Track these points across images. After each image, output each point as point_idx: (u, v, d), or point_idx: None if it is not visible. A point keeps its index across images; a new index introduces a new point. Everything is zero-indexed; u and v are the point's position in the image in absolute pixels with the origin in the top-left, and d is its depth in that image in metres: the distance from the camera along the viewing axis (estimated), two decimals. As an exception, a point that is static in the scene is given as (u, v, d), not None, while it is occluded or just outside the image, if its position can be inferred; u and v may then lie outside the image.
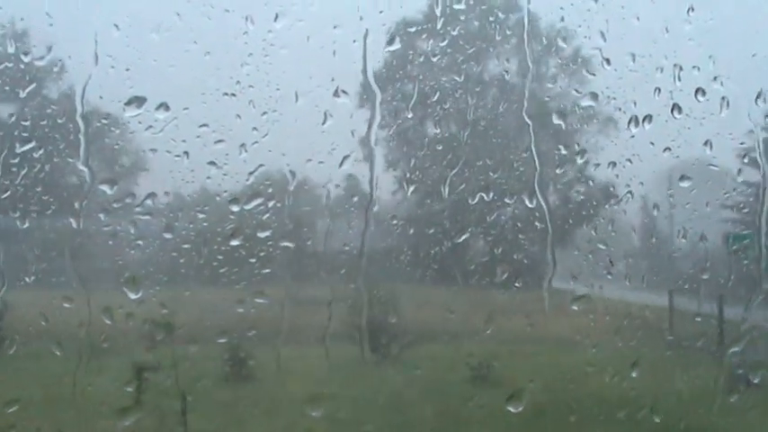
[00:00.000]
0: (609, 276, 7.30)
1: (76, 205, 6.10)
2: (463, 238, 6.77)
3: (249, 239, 6.53)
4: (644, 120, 6.80)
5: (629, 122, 6.91)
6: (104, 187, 6.08)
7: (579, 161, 7.21)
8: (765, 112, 6.99)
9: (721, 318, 8.24)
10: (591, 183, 8.06)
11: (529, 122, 6.95)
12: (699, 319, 7.71)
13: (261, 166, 6.37)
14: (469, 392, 7.81)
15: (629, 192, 7.72)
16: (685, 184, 7.07)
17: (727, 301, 7.58)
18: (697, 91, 6.65)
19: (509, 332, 7.69)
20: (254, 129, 6.36)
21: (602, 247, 7.73)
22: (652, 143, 6.93)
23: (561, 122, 7.05)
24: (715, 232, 7.96)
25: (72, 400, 5.94)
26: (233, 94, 6.35)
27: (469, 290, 7.61)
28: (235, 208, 6.31)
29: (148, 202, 6.32)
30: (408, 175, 6.99)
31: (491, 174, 7.14)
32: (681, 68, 6.67)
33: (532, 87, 7.47)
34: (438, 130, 7.39)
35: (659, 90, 6.70)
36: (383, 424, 7.75)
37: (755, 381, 6.97)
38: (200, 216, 6.66)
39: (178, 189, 6.55)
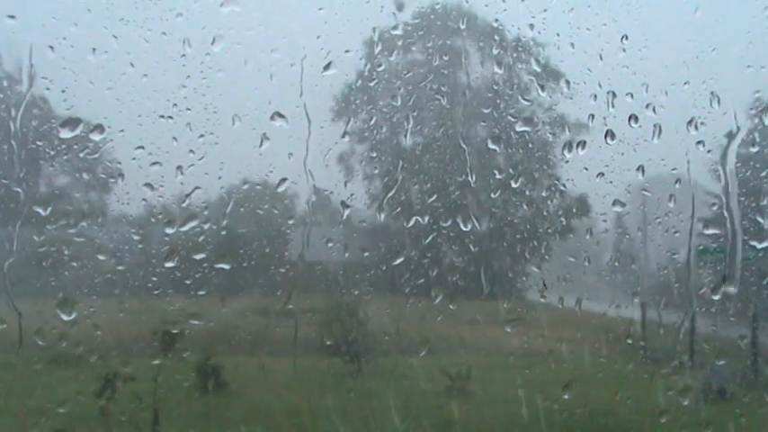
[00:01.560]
0: (542, 299, 7.39)
1: (10, 227, 6.09)
2: (398, 260, 6.84)
3: (185, 261, 6.54)
4: (578, 145, 6.92)
5: (564, 148, 7.03)
6: (39, 209, 6.08)
7: (514, 185, 7.31)
8: (697, 139, 7.12)
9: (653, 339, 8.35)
10: (525, 207, 8.17)
11: (464, 147, 7.05)
12: (630, 341, 7.83)
13: (197, 188, 6.39)
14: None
15: (563, 216, 7.87)
16: (618, 208, 7.17)
17: (661, 324, 7.68)
18: (630, 117, 6.77)
19: (444, 352, 7.76)
20: (191, 151, 6.36)
21: (535, 269, 7.86)
22: (586, 168, 7.04)
23: (496, 147, 7.15)
24: (647, 256, 8.11)
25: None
26: (170, 117, 6.36)
27: (404, 311, 7.67)
28: (170, 230, 6.32)
29: (83, 223, 6.32)
30: (345, 199, 7.02)
31: (427, 197, 7.22)
32: (614, 95, 6.78)
33: (468, 113, 7.58)
34: (375, 154, 7.47)
35: (593, 116, 6.82)
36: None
37: (685, 403, 7.08)
38: (136, 238, 6.66)
39: (113, 211, 6.55)
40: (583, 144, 6.90)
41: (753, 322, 8.54)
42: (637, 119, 6.78)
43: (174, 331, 6.75)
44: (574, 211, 8.24)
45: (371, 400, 7.70)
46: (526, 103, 7.28)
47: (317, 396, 8.10)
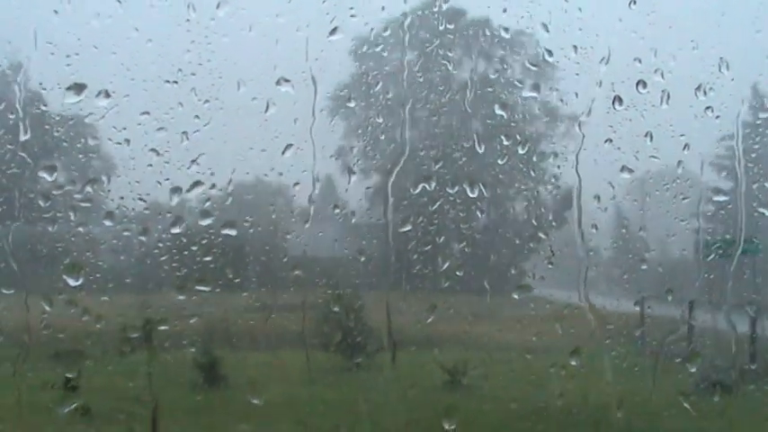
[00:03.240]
0: (549, 266, 7.37)
1: (16, 192, 6.09)
2: (406, 228, 6.81)
3: (191, 227, 6.54)
4: (586, 111, 6.88)
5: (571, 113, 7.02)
6: (44, 174, 6.07)
7: (521, 151, 7.27)
8: (706, 105, 7.08)
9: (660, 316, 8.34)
10: (532, 173, 8.13)
11: (470, 112, 7.01)
12: (638, 308, 7.80)
13: (202, 154, 6.37)
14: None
15: (569, 181, 7.79)
16: (626, 174, 7.12)
17: (671, 298, 7.66)
18: (638, 83, 6.72)
19: (449, 317, 7.74)
20: (196, 117, 6.35)
21: (542, 236, 7.82)
22: (594, 134, 6.99)
23: (503, 113, 7.10)
24: (655, 224, 8.06)
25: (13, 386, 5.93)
26: (175, 82, 6.34)
27: (411, 278, 7.65)
28: (176, 196, 6.31)
29: (88, 188, 6.31)
30: (351, 164, 7.01)
31: (434, 164, 7.18)
32: (622, 60, 6.74)
33: (475, 78, 7.54)
34: (381, 120, 7.42)
35: (601, 82, 6.77)
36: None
37: (692, 369, 7.10)
38: (141, 203, 6.65)
39: (119, 176, 6.53)
40: (590, 110, 6.86)
41: (756, 297, 8.50)
42: (645, 84, 6.73)
43: (181, 297, 6.73)
44: (581, 176, 8.17)
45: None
46: (533, 68, 7.22)
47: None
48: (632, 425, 7.17)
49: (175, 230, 6.44)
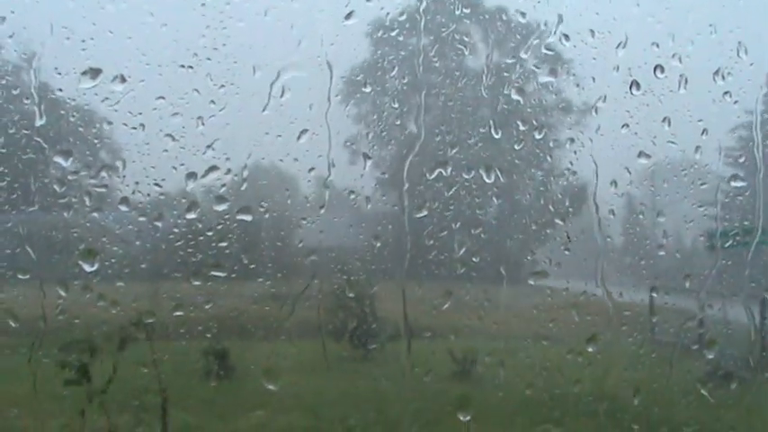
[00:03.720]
0: (566, 252, 7.34)
1: (31, 177, 6.10)
2: (422, 213, 6.78)
3: (206, 213, 6.53)
4: (603, 96, 6.86)
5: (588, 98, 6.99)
6: (59, 159, 6.08)
7: (537, 137, 7.24)
8: (724, 90, 7.05)
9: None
10: (549, 158, 8.08)
11: (486, 97, 6.98)
12: (654, 295, 7.76)
13: (217, 139, 6.37)
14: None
15: (586, 167, 7.77)
16: (644, 160, 7.10)
17: (688, 284, 7.61)
18: (656, 68, 6.71)
19: (465, 304, 7.71)
20: (212, 102, 6.35)
21: (559, 222, 7.77)
22: (611, 120, 6.97)
23: (520, 98, 7.07)
24: (673, 210, 8.01)
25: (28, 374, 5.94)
26: (190, 67, 6.33)
27: (427, 264, 7.62)
28: (191, 181, 6.30)
29: (103, 174, 6.31)
30: (366, 150, 6.99)
31: (449, 149, 7.16)
32: (640, 44, 6.74)
33: (491, 63, 7.49)
34: (396, 105, 7.39)
35: (618, 67, 6.76)
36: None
37: (710, 356, 7.10)
38: (157, 189, 6.63)
39: (134, 161, 6.51)
40: (606, 95, 6.85)
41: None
42: (662, 69, 6.73)
43: (196, 283, 6.70)
44: (598, 161, 8.14)
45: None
46: (549, 53, 7.17)
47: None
48: (649, 411, 7.15)
49: (190, 216, 6.45)
